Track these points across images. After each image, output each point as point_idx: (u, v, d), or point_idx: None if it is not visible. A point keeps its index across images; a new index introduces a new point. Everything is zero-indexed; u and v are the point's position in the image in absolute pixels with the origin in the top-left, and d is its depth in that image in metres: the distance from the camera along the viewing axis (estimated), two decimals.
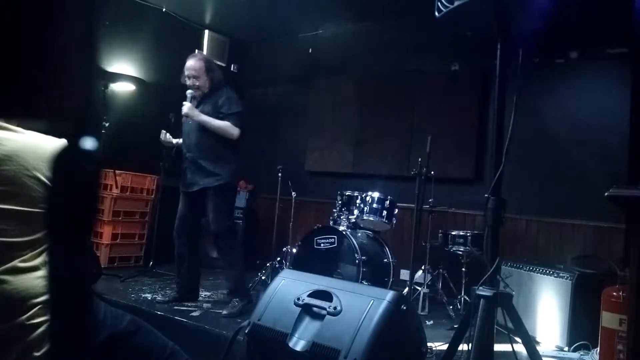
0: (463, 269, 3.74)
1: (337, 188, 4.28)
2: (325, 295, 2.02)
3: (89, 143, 0.77)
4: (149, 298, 3.54)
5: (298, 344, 1.92)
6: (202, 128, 3.34)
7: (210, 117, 3.31)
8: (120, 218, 4.72)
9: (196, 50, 4.79)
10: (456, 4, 1.68)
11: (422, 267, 4.00)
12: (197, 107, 3.38)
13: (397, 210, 4.08)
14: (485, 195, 1.72)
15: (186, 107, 3.33)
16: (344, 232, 3.71)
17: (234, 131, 3.32)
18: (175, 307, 3.29)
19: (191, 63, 3.40)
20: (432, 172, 3.81)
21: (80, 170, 0.85)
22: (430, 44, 4.80)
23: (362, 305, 1.91)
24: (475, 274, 3.17)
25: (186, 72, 3.41)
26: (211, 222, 3.33)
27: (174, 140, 3.60)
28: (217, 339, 2.75)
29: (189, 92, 3.39)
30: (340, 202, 4.06)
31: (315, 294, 2.04)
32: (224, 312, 3.20)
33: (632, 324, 1.30)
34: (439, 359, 2.54)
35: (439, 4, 1.73)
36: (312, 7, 5.06)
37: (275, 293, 2.15)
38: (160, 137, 3.59)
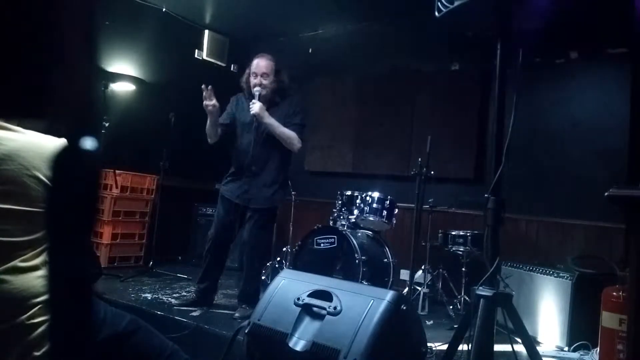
0: (463, 269, 3.74)
1: (337, 188, 4.27)
2: (325, 295, 2.02)
3: (89, 143, 0.77)
4: (149, 298, 3.54)
5: (298, 343, 1.92)
6: (268, 142, 3.18)
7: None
8: (120, 218, 4.72)
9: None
10: (456, 3, 1.68)
11: (422, 267, 4.00)
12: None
13: (397, 210, 4.08)
14: (485, 195, 1.72)
15: (257, 105, 3.09)
16: (344, 232, 3.71)
17: (299, 144, 3.22)
18: (175, 307, 3.29)
19: (261, 62, 3.24)
20: (432, 172, 3.81)
21: (80, 170, 0.85)
22: (430, 44, 4.80)
23: (362, 305, 1.91)
24: (475, 274, 3.17)
25: (254, 70, 3.22)
26: (249, 236, 3.21)
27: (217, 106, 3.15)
28: (217, 339, 2.75)
29: (256, 89, 3.16)
30: (340, 202, 4.06)
31: (315, 294, 2.04)
32: (236, 314, 3.17)
33: (632, 324, 1.30)
34: (439, 359, 2.54)
35: (439, 4, 1.73)
36: (312, 7, 5.06)
37: (275, 293, 2.15)
38: (205, 97, 3.09)
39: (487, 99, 4.52)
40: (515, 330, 1.72)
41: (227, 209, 3.31)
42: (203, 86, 3.09)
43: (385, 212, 3.95)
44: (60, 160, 1.08)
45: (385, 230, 4.21)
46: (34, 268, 1.10)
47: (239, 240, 3.51)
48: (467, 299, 3.63)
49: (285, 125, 3.20)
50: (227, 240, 3.36)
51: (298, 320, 1.98)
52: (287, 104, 3.30)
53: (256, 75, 3.22)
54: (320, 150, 5.47)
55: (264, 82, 3.20)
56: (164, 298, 3.56)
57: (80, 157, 0.80)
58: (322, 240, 3.75)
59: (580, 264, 3.34)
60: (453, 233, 3.81)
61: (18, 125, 1.14)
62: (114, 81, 4.82)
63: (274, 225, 3.34)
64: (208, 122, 3.21)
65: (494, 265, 1.67)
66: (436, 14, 1.76)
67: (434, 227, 4.06)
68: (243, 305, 3.23)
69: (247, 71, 3.32)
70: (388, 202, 3.97)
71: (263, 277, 4.21)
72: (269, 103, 3.24)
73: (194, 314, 3.19)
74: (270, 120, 3.14)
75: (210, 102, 3.09)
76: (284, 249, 4.44)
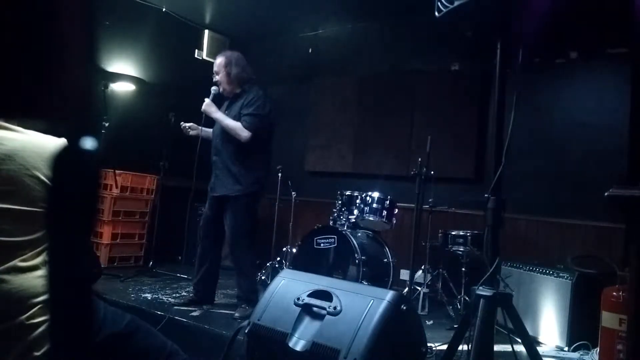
0: (463, 269, 3.74)
1: (337, 188, 4.27)
2: (325, 295, 2.02)
3: (89, 143, 0.77)
4: (149, 298, 3.54)
5: (298, 343, 1.92)
6: (223, 134, 3.32)
7: (228, 117, 3.28)
8: (120, 218, 4.72)
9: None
10: (456, 3, 1.68)
11: (422, 267, 4.00)
12: (226, 107, 3.38)
13: (397, 210, 4.08)
14: (486, 195, 1.72)
15: (205, 103, 3.34)
16: (344, 232, 3.71)
17: (243, 133, 3.23)
18: (175, 307, 3.29)
19: (216, 59, 3.44)
20: (432, 172, 3.81)
21: (80, 170, 0.85)
22: (430, 44, 4.80)
23: (362, 305, 1.91)
24: (475, 274, 3.16)
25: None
26: (226, 229, 3.29)
27: (200, 128, 3.49)
28: (217, 339, 2.75)
29: (213, 88, 3.40)
30: (340, 202, 4.06)
31: (315, 294, 2.04)
32: (236, 314, 3.18)
33: (632, 324, 1.30)
34: (439, 359, 2.54)
35: (439, 3, 1.74)
36: (312, 7, 5.06)
37: (275, 293, 2.15)
38: (183, 126, 3.52)
39: (487, 99, 4.52)
40: (515, 330, 1.72)
41: (209, 204, 3.44)
42: (182, 124, 3.51)
43: (385, 212, 3.95)
44: (60, 160, 1.08)
45: (385, 230, 4.21)
46: (34, 268, 1.10)
47: None
48: (467, 299, 3.63)
49: (239, 115, 3.28)
50: (212, 236, 3.40)
51: (298, 320, 1.98)
52: (245, 95, 3.37)
53: (214, 74, 3.44)
54: (320, 151, 5.47)
55: (217, 77, 3.40)
56: (164, 298, 3.57)
57: (80, 157, 0.80)
58: (322, 240, 3.75)
59: (580, 264, 3.33)
60: (453, 233, 3.81)
61: (18, 125, 1.14)
62: (114, 81, 4.82)
63: (248, 214, 3.31)
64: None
65: (494, 265, 1.67)
66: (436, 14, 1.76)
67: (434, 227, 4.06)
68: (243, 305, 3.23)
69: None
70: (388, 202, 3.97)
71: (263, 277, 4.22)
72: (231, 95, 3.41)
73: (194, 314, 3.19)
74: (216, 115, 3.32)
75: (188, 132, 3.49)
76: (284, 249, 4.44)
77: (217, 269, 3.47)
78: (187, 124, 3.50)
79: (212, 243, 3.41)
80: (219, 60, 3.40)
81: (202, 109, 3.34)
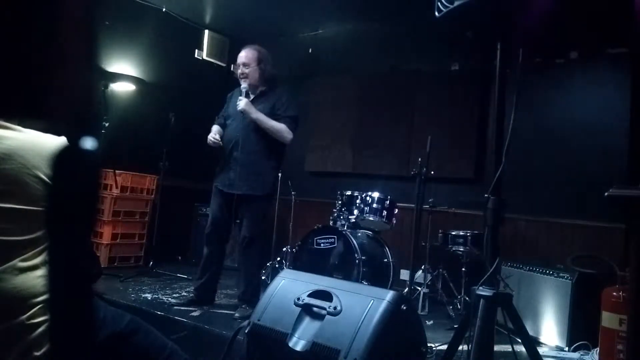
0: (463, 269, 3.74)
1: (337, 188, 4.27)
2: (325, 295, 2.01)
3: (89, 143, 0.77)
4: (149, 298, 3.54)
5: (298, 344, 1.92)
6: (256, 128, 3.20)
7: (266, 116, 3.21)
8: (120, 218, 4.72)
9: None
10: (456, 4, 1.68)
11: (422, 267, 4.00)
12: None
13: (397, 210, 4.08)
14: (485, 195, 1.72)
15: (243, 102, 3.18)
16: (344, 232, 3.71)
17: (289, 135, 3.21)
18: (175, 307, 3.29)
19: (243, 52, 3.33)
20: (432, 172, 3.81)
21: (80, 169, 0.85)
22: (430, 44, 4.80)
23: (362, 305, 1.90)
24: (475, 274, 3.17)
25: (238, 61, 3.32)
26: (245, 229, 3.23)
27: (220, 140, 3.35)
28: (217, 339, 2.75)
29: (243, 86, 3.27)
30: (340, 202, 4.06)
31: (315, 294, 2.04)
32: (236, 314, 3.17)
33: (632, 324, 1.30)
34: (439, 359, 2.54)
35: (439, 4, 1.73)
36: (312, 7, 5.06)
37: (275, 293, 2.15)
38: (210, 138, 3.31)
39: (487, 99, 4.52)
40: (515, 330, 1.72)
41: (219, 202, 3.34)
42: (211, 140, 3.29)
43: (385, 212, 3.95)
44: (60, 159, 1.08)
45: (385, 230, 4.21)
46: (34, 267, 1.10)
47: (238, 238, 3.50)
48: (467, 299, 3.63)
49: (274, 115, 3.23)
50: (222, 235, 3.37)
51: (298, 320, 1.98)
52: (276, 94, 3.32)
53: (239, 66, 3.31)
54: (321, 150, 5.47)
55: (245, 71, 3.28)
56: (164, 298, 3.56)
57: (81, 156, 0.81)
58: (322, 240, 3.76)
59: (580, 264, 3.33)
60: (453, 233, 3.81)
61: (18, 125, 1.14)
62: (114, 81, 4.82)
63: (265, 216, 3.31)
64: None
65: (494, 265, 1.67)
66: (436, 14, 1.76)
67: (434, 227, 4.06)
68: (243, 305, 3.23)
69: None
70: (388, 202, 3.97)
71: (263, 277, 4.22)
72: (255, 92, 3.31)
73: (194, 314, 3.18)
74: (257, 116, 3.19)
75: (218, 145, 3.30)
76: (284, 249, 4.43)
77: (220, 271, 3.45)
78: (217, 139, 3.29)
79: (219, 248, 3.37)
80: (251, 54, 3.29)
81: (240, 108, 3.17)
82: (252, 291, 3.27)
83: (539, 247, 4.15)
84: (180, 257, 5.21)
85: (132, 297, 3.52)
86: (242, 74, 3.28)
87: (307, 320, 1.99)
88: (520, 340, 1.73)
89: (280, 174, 4.54)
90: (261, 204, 3.27)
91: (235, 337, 2.18)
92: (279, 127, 3.21)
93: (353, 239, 3.63)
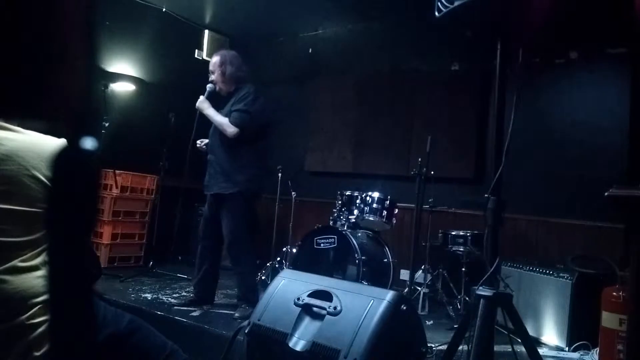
0: (463, 269, 3.74)
1: (337, 188, 4.27)
2: (325, 295, 2.01)
3: (89, 143, 0.77)
4: (149, 298, 3.54)
5: (298, 343, 1.92)
6: (217, 131, 3.33)
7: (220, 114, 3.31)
8: (120, 218, 4.72)
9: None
10: (456, 4, 1.68)
11: (422, 267, 4.00)
12: (222, 105, 3.40)
13: (397, 210, 4.08)
14: (485, 195, 1.72)
15: (199, 99, 3.38)
16: (344, 232, 3.71)
17: (229, 129, 3.22)
18: (175, 307, 3.29)
19: (212, 58, 3.48)
20: (432, 172, 3.81)
21: (79, 170, 0.85)
22: (430, 44, 4.80)
23: (362, 305, 1.91)
24: (475, 274, 3.17)
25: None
26: (224, 228, 3.28)
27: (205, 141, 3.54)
28: (217, 339, 2.75)
29: (208, 85, 3.44)
30: (340, 202, 4.06)
31: (315, 294, 2.04)
32: (236, 314, 3.18)
33: (632, 324, 1.30)
34: (439, 359, 2.54)
35: (439, 4, 1.73)
36: (312, 7, 5.06)
37: (275, 293, 2.15)
38: (197, 145, 3.51)
39: (487, 99, 4.52)
40: (515, 330, 1.72)
41: (208, 203, 3.44)
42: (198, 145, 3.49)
43: (385, 212, 3.95)
44: (60, 160, 1.08)
45: (385, 230, 4.21)
46: (34, 268, 1.10)
47: None
48: (467, 299, 3.63)
49: (229, 112, 3.30)
50: (212, 236, 3.39)
51: (298, 320, 1.98)
52: (241, 92, 3.37)
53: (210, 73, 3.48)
54: (320, 151, 5.47)
55: (212, 77, 3.44)
56: (164, 298, 3.57)
57: (80, 157, 0.81)
58: (322, 240, 3.75)
59: (580, 264, 3.34)
60: (453, 233, 3.81)
61: (18, 125, 1.14)
62: (114, 81, 4.83)
63: (245, 213, 3.30)
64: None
65: (494, 265, 1.67)
66: (436, 14, 1.75)
67: (434, 227, 4.06)
68: (243, 305, 3.23)
69: None
70: (388, 202, 3.97)
71: (263, 277, 4.22)
72: (227, 94, 3.44)
73: (194, 314, 3.19)
74: (207, 112, 3.34)
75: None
76: (284, 249, 4.43)
77: (217, 269, 3.47)
78: (202, 145, 3.49)
79: (212, 243, 3.41)
80: (214, 60, 3.44)
81: (196, 106, 3.37)
82: (246, 290, 3.28)
83: (539, 247, 4.15)
84: (180, 257, 5.21)
85: (132, 297, 3.52)
86: (212, 80, 3.44)
87: (307, 320, 1.99)
88: (520, 340, 1.73)
89: (280, 174, 4.57)
90: (235, 203, 3.26)
91: (235, 337, 2.18)
92: (221, 120, 3.28)
93: (353, 239, 3.63)
